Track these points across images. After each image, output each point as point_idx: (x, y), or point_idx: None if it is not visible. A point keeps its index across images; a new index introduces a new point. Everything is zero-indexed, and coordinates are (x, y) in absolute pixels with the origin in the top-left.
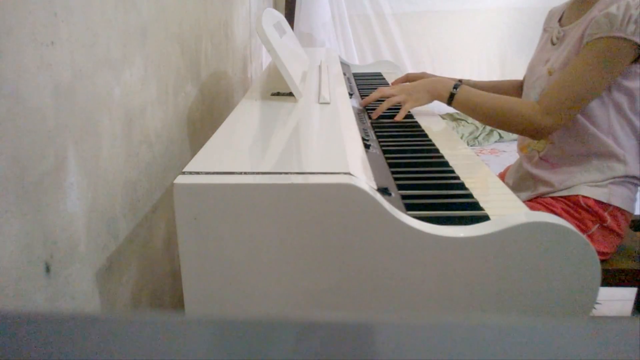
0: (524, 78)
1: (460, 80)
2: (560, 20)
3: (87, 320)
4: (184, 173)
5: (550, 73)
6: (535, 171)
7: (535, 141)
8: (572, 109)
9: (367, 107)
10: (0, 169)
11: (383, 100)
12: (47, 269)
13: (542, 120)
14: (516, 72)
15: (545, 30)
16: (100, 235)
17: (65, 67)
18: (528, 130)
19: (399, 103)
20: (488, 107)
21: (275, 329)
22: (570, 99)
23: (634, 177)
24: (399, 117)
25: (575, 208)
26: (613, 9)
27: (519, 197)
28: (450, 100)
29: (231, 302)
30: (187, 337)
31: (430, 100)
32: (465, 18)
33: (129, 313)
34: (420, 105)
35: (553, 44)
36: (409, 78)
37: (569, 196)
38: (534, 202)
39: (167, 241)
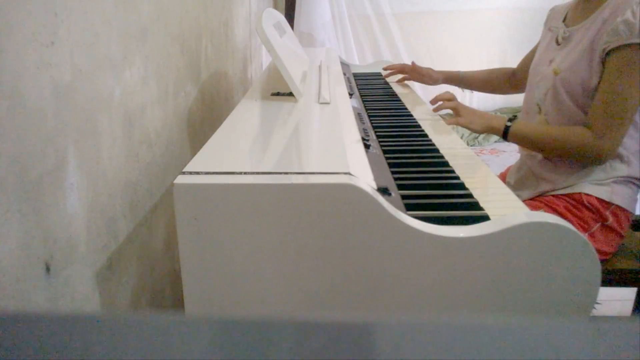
0: (518, 68)
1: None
2: (564, 20)
3: (87, 320)
4: (184, 173)
5: (555, 73)
6: (538, 169)
7: None
8: (623, 125)
9: (367, 108)
10: (1, 169)
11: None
12: (47, 269)
13: (599, 145)
14: None
15: (549, 29)
16: (100, 235)
17: (65, 67)
18: (588, 157)
19: (456, 112)
20: (544, 141)
21: (275, 329)
22: (618, 117)
23: (636, 178)
24: (450, 123)
25: (577, 206)
26: (629, 15)
27: (520, 195)
28: (505, 133)
29: (231, 302)
30: (187, 337)
31: (482, 131)
32: (465, 18)
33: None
34: (469, 128)
35: (558, 43)
36: (410, 68)
37: (571, 194)
38: (535, 201)
39: (167, 241)
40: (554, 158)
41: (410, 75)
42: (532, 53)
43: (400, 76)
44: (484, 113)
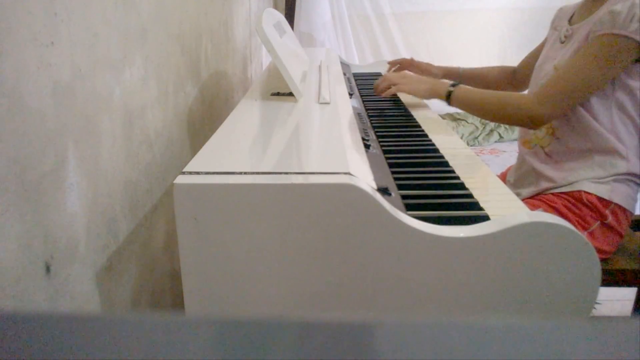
0: (519, 67)
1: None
2: (570, 19)
3: (87, 320)
4: (184, 173)
5: (556, 70)
6: (540, 167)
7: (540, 136)
8: (566, 100)
9: (367, 108)
10: (1, 169)
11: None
12: (47, 269)
13: (537, 109)
14: None
15: (555, 29)
16: (100, 235)
17: (65, 67)
18: (524, 120)
19: (394, 85)
20: (485, 101)
21: (275, 329)
22: (565, 91)
23: (635, 174)
24: (382, 93)
25: (576, 204)
26: (617, 6)
27: (520, 193)
28: (448, 97)
29: (231, 302)
30: (187, 337)
31: (426, 96)
32: (465, 18)
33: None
34: (413, 94)
35: (561, 42)
36: (409, 62)
37: (571, 192)
38: (535, 199)
39: (167, 241)
40: (497, 122)
41: (409, 70)
42: (535, 52)
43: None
44: (428, 79)
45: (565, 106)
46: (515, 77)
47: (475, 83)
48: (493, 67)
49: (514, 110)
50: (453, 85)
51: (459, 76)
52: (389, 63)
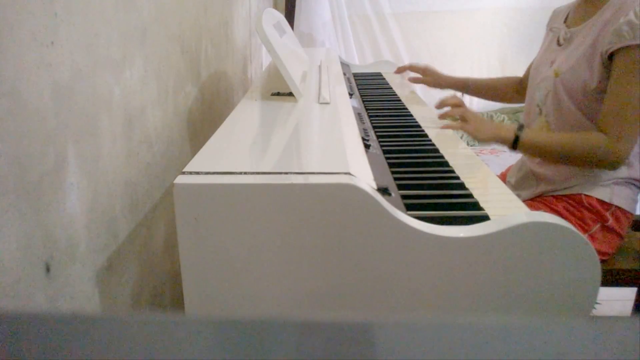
0: (525, 76)
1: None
2: (565, 21)
3: (87, 320)
4: (184, 173)
5: (556, 75)
6: (539, 169)
7: None
8: (636, 127)
9: (367, 108)
10: (0, 169)
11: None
12: (47, 269)
13: (616, 149)
14: (516, 72)
15: (551, 30)
16: (100, 235)
17: (65, 67)
18: (604, 162)
19: (462, 119)
20: (557, 148)
21: (275, 329)
22: (630, 119)
23: (636, 179)
24: (456, 128)
25: (577, 207)
26: (632, 16)
27: (520, 195)
28: (515, 143)
29: (231, 302)
30: (187, 337)
31: (489, 141)
32: (465, 18)
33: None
34: (474, 137)
35: (559, 44)
36: (412, 68)
37: (571, 195)
38: (535, 202)
39: (167, 241)
40: (574, 167)
41: (423, 75)
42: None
43: (410, 74)
44: (492, 122)
45: (637, 133)
46: (522, 87)
47: (483, 94)
48: (500, 78)
49: (592, 156)
50: (519, 129)
51: (467, 87)
52: (409, 69)
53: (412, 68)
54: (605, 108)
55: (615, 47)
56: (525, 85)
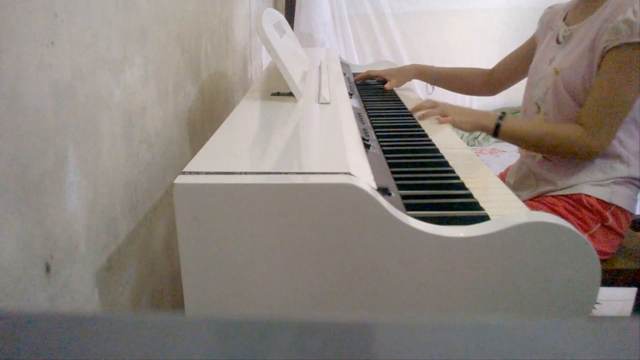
0: (495, 70)
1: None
2: (565, 19)
3: (87, 320)
4: (184, 173)
5: (557, 72)
6: (538, 170)
7: None
8: (615, 124)
9: (367, 108)
10: (0, 169)
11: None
12: (47, 269)
13: (590, 142)
14: None
15: (550, 28)
16: (100, 235)
17: (65, 67)
18: (578, 153)
19: (443, 115)
20: (535, 136)
21: (275, 329)
22: (610, 115)
23: (636, 178)
24: (441, 122)
25: (577, 207)
26: (630, 14)
27: (520, 195)
28: (496, 131)
29: (231, 302)
30: (187, 337)
31: (471, 129)
32: (465, 18)
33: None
34: (457, 127)
35: (558, 42)
36: (370, 76)
37: (571, 195)
38: (535, 202)
39: (167, 241)
40: (550, 156)
41: (392, 84)
42: (513, 55)
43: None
44: (472, 110)
45: (614, 130)
46: (491, 80)
47: (450, 84)
48: (467, 68)
49: (567, 146)
50: (500, 118)
51: (432, 76)
52: (366, 78)
53: (370, 76)
54: (587, 102)
55: (612, 45)
56: (495, 78)
